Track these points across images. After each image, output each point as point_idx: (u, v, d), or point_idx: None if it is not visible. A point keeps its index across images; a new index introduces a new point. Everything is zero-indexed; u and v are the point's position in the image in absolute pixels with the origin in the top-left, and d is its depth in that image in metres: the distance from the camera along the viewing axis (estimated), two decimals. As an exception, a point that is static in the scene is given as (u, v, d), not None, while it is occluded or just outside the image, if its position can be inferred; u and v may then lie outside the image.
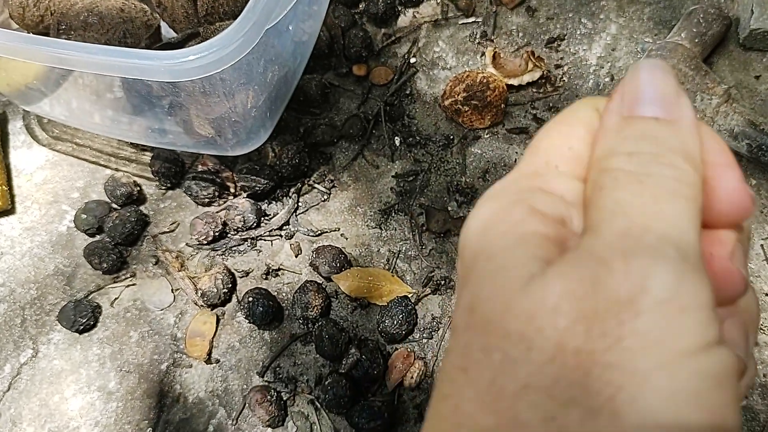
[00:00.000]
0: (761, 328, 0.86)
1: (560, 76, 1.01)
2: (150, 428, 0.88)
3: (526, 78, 0.99)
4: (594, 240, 0.24)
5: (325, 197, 0.98)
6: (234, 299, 0.94)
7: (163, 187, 0.99)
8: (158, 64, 0.71)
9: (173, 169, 0.98)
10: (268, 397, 0.86)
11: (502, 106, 0.98)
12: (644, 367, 0.22)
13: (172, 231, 0.98)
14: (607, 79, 1.00)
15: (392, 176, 0.98)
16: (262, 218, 0.97)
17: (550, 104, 1.00)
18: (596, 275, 0.23)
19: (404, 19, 1.08)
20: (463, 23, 1.07)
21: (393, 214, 0.96)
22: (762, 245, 0.89)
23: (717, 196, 0.26)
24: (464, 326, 0.25)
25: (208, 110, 0.87)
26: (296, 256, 0.95)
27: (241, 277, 0.95)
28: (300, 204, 0.98)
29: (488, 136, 0.99)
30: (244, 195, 0.97)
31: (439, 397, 0.26)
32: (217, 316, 0.93)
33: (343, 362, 0.88)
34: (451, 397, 0.25)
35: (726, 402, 0.22)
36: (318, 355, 0.89)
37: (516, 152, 0.98)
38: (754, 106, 0.95)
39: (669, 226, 0.24)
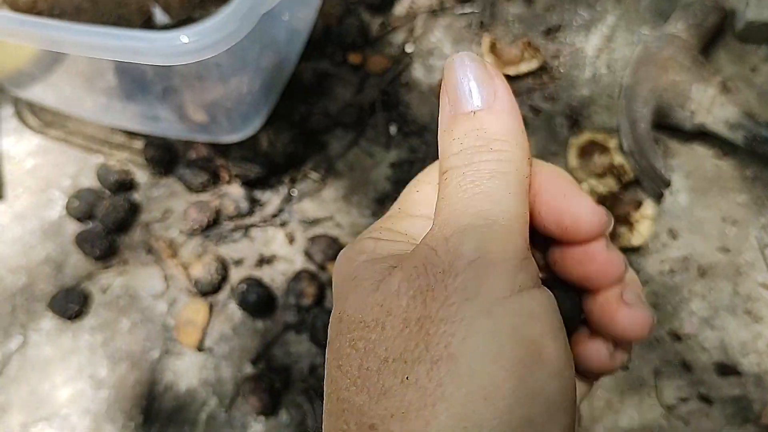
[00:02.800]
0: (756, 319, 0.85)
1: (557, 67, 1.00)
2: (141, 416, 0.87)
3: (523, 68, 0.99)
4: (426, 236, 0.30)
5: (320, 185, 0.97)
6: (227, 288, 0.93)
7: (156, 175, 0.98)
8: (152, 47, 0.70)
9: (166, 156, 0.97)
10: (261, 385, 0.85)
11: (499, 95, 0.97)
12: (469, 314, 0.26)
13: (165, 218, 0.97)
14: (604, 70, 1.00)
15: (387, 165, 0.98)
16: (256, 206, 0.96)
17: (547, 94, 0.99)
18: (426, 258, 0.28)
19: (400, 7, 1.08)
20: (460, 13, 1.06)
21: (388, 202, 0.95)
22: (756, 236, 0.89)
23: (578, 224, 0.32)
24: (335, 334, 0.30)
25: (202, 96, 0.86)
26: (290, 244, 0.94)
27: (234, 266, 0.94)
28: (294, 192, 0.97)
29: (484, 125, 0.98)
30: (238, 183, 0.96)
31: (325, 397, 0.30)
32: (210, 305, 0.92)
33: (337, 351, 0.87)
34: (333, 392, 0.29)
35: (542, 332, 0.27)
36: (311, 344, 0.89)
37: (512, 142, 0.97)
38: (751, 98, 0.95)
39: (484, 201, 0.29)
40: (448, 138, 0.32)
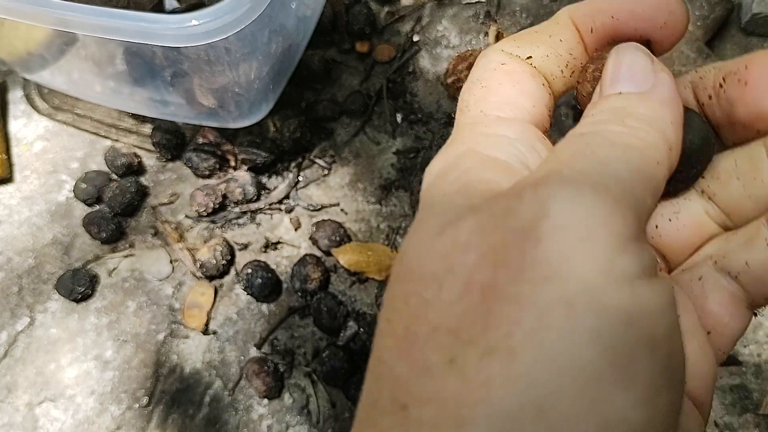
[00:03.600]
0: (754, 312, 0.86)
1: (563, 57, 1.01)
2: (146, 397, 0.88)
3: (529, 58, 0.99)
4: (519, 180, 0.24)
5: (326, 172, 0.98)
6: (232, 272, 0.94)
7: (163, 159, 0.99)
8: (163, 28, 0.71)
9: (174, 140, 0.98)
10: (265, 368, 0.86)
11: (505, 85, 0.98)
12: (543, 300, 0.20)
13: (172, 202, 0.97)
14: (609, 61, 1.00)
15: (393, 153, 0.98)
16: (262, 191, 0.97)
17: (552, 85, 1.00)
18: (508, 207, 0.22)
19: (408, -3, 1.08)
20: (467, 3, 1.07)
21: (393, 190, 0.96)
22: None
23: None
24: (394, 278, 0.25)
25: (211, 80, 0.86)
26: (295, 230, 0.95)
27: (239, 250, 0.95)
28: (300, 178, 0.98)
29: (490, 114, 0.99)
30: (245, 168, 0.97)
31: (372, 352, 0.25)
32: (215, 288, 0.92)
33: (341, 335, 0.88)
34: (377, 350, 0.25)
35: (636, 342, 0.20)
36: (315, 328, 0.90)
37: (517, 131, 0.98)
38: (755, 90, 0.95)
39: (593, 161, 0.23)
40: (587, 113, 0.27)
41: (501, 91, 0.28)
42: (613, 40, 0.29)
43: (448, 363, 0.21)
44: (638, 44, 0.28)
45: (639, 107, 0.25)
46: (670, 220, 0.30)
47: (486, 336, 0.20)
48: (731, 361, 0.84)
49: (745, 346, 0.85)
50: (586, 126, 0.26)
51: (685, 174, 0.28)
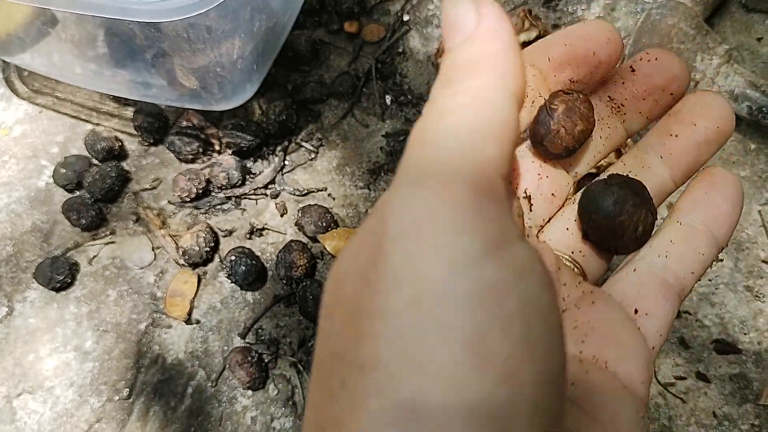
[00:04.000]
0: (756, 295, 0.83)
1: (557, 37, 0.98)
2: (127, 389, 0.85)
3: (522, 37, 0.96)
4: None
5: (313, 156, 0.95)
6: (216, 259, 0.91)
7: (146, 143, 0.96)
8: (139, 3, 0.68)
9: (156, 124, 0.95)
10: (249, 358, 0.83)
11: (497, 65, 0.94)
12: (396, 307, 0.20)
13: (154, 188, 0.94)
14: (605, 40, 0.97)
15: (382, 135, 0.95)
16: (247, 176, 0.94)
17: (547, 65, 0.96)
18: (366, 227, 0.23)
19: (398, -24, 1.05)
20: (458, -19, 1.03)
21: (382, 174, 0.93)
22: (759, 211, 0.87)
23: None
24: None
25: (192, 59, 0.83)
26: (281, 216, 0.92)
27: (224, 236, 0.92)
28: (287, 162, 0.95)
29: (482, 96, 0.96)
30: (229, 152, 0.94)
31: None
32: (199, 276, 0.90)
33: (328, 324, 0.85)
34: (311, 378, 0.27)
35: (482, 323, 0.20)
36: (301, 317, 0.87)
37: (510, 113, 0.94)
38: (756, 68, 0.92)
39: (422, 150, 0.23)
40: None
41: None
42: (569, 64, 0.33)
43: (340, 386, 0.21)
44: None
45: (465, 54, 0.25)
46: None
47: (358, 354, 0.21)
48: (730, 349, 0.81)
49: (745, 334, 0.82)
50: (425, 108, 0.25)
51: (615, 243, 0.33)
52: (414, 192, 0.21)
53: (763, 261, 0.85)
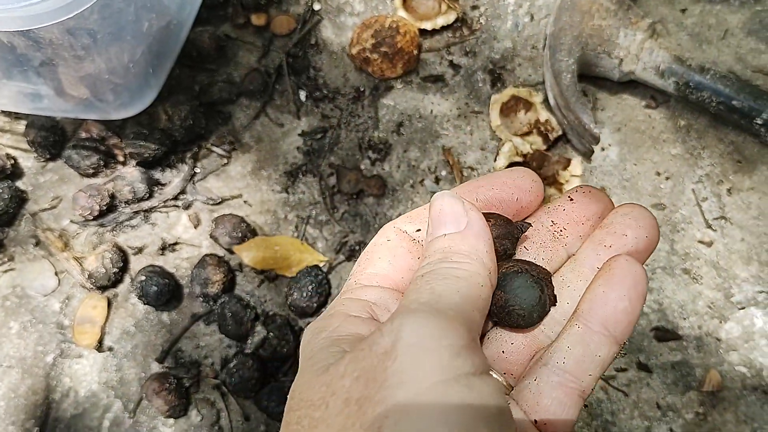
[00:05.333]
0: (694, 278, 0.80)
1: (477, 18, 0.93)
2: (37, 428, 0.79)
3: (440, 21, 0.91)
4: (387, 321, 0.31)
5: (225, 161, 0.89)
6: (127, 279, 0.84)
7: (42, 159, 0.89)
8: (7, 10, 0.61)
9: (51, 137, 0.87)
10: (167, 385, 0.77)
11: (415, 52, 0.89)
12: (403, 399, 0.27)
13: (54, 207, 0.87)
14: (526, 19, 0.92)
15: (298, 134, 0.89)
16: (155, 188, 0.87)
17: (467, 48, 0.92)
18: (373, 340, 0.30)
19: (307, -38, 0.99)
20: (370, -36, 0.97)
21: (301, 176, 0.88)
22: (693, 189, 0.84)
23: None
24: (288, 409, 0.32)
25: (78, 67, 0.76)
26: (195, 228, 0.86)
27: (134, 254, 0.85)
28: (197, 170, 0.88)
29: (401, 86, 0.91)
30: (134, 163, 0.87)
31: None
32: (109, 299, 0.83)
33: (249, 341, 0.80)
34: None
35: (471, 419, 0.27)
36: (222, 336, 0.81)
37: (432, 102, 0.90)
38: (681, 41, 0.89)
39: (432, 294, 0.31)
40: (422, 259, 0.35)
41: (377, 264, 0.38)
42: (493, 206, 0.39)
43: None
44: (450, 192, 0.36)
45: (460, 244, 0.34)
46: (512, 343, 0.37)
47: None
48: (671, 335, 0.78)
49: (684, 318, 0.79)
50: (424, 268, 0.34)
51: (525, 322, 0.36)
52: (425, 317, 0.30)
53: (700, 242, 0.82)
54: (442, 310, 0.30)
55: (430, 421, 0.27)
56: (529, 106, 0.87)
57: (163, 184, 0.88)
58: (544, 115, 0.85)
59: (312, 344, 0.34)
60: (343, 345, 0.32)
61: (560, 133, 0.85)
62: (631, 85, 0.87)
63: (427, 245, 0.35)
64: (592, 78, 0.87)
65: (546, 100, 0.86)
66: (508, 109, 0.87)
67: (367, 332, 0.33)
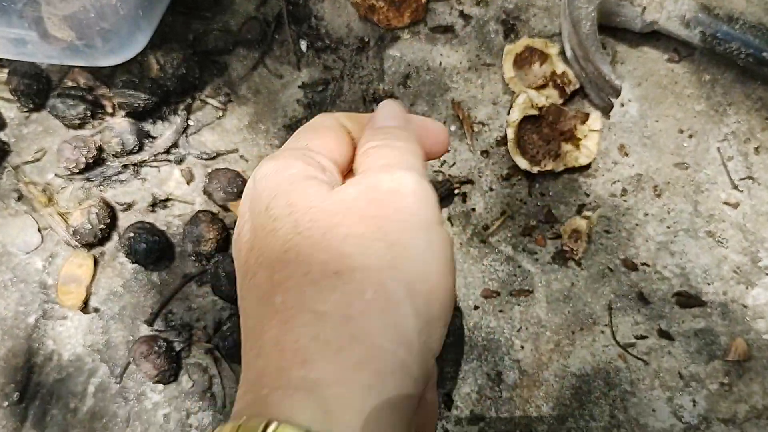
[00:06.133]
0: (719, 241, 0.76)
1: (489, -34, 0.87)
2: (18, 393, 0.74)
3: (450, -31, 0.85)
4: (367, 173, 0.35)
5: (221, 113, 0.83)
6: (115, 237, 0.79)
7: (25, 109, 0.83)
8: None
9: (35, 86, 0.82)
10: (156, 348, 0.72)
11: (423, 1, 0.84)
12: (417, 226, 0.34)
13: (38, 160, 0.82)
14: (542, -33, 0.87)
15: (299, 86, 0.84)
16: (146, 140, 0.82)
17: (479, -2, 0.86)
18: (377, 179, 0.34)
19: None
20: None
21: (300, 130, 0.82)
22: (718, 148, 0.79)
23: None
24: (267, 208, 0.35)
25: (61, 5, 0.71)
26: (188, 184, 0.81)
27: (123, 211, 0.80)
28: (191, 122, 0.83)
29: (408, 36, 0.85)
30: (122, 114, 0.82)
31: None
32: (95, 257, 0.78)
33: (245, 303, 0.75)
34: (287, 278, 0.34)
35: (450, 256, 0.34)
36: (216, 297, 0.76)
37: (441, 54, 0.84)
38: (708, -9, 0.83)
39: (404, 161, 0.36)
40: (370, 136, 0.38)
41: (324, 139, 0.38)
42: None
43: (365, 251, 0.33)
44: (396, 100, 0.46)
45: (401, 134, 0.38)
46: None
47: (387, 239, 0.33)
48: (694, 301, 0.73)
49: (708, 284, 0.74)
50: (377, 142, 0.37)
51: None
52: (416, 175, 0.35)
53: (725, 203, 0.77)
54: (420, 173, 0.35)
55: (438, 251, 0.33)
56: (544, 58, 0.81)
57: (154, 137, 0.82)
58: (560, 67, 0.80)
59: (280, 178, 0.35)
60: (325, 182, 0.35)
61: (577, 86, 0.80)
62: (653, 37, 0.82)
63: (372, 130, 0.39)
64: (611, 29, 0.82)
65: (562, 52, 0.81)
66: (521, 61, 0.82)
67: (325, 179, 0.35)
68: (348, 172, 0.40)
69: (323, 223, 0.32)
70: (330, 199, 0.33)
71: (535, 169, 0.76)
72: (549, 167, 0.76)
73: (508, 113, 0.78)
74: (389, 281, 0.31)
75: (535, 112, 0.77)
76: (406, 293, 0.31)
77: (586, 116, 0.77)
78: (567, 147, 0.77)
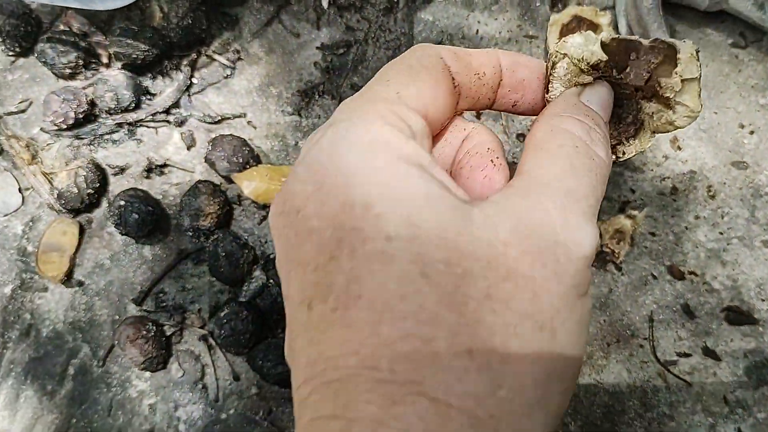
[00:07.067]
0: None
1: (539, -75, 0.78)
2: (-12, 370, 0.67)
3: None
4: (534, 193, 0.27)
5: (229, 72, 0.74)
6: (104, 203, 0.71)
7: (11, 52, 0.74)
8: None
9: (23, 27, 0.73)
10: (144, 332, 0.65)
11: (463, -41, 0.74)
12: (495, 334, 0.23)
13: (23, 111, 0.74)
14: (598, -70, 0.77)
15: (317, 48, 0.75)
16: (144, 97, 0.73)
17: (525, -40, 0.77)
18: (544, 225, 0.26)
19: None
20: None
21: (317, 96, 0.74)
22: (783, 148, 0.70)
23: None
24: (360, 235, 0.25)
25: (53, -63, 0.62)
26: (188, 149, 0.73)
27: (114, 175, 0.72)
28: (194, 80, 0.74)
29: (443, -2, 0.76)
30: (119, 65, 0.73)
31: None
32: (81, 225, 0.70)
33: (245, 288, 0.67)
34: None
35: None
36: (213, 278, 0.68)
37: (478, 21, 0.75)
38: (785, -31, 0.74)
39: (591, 198, 0.27)
40: (576, 108, 0.31)
41: (421, 88, 0.29)
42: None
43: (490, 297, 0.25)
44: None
45: (604, 142, 0.31)
46: None
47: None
48: (745, 318, 0.66)
49: (762, 300, 0.67)
50: (566, 137, 0.29)
51: None
52: (593, 232, 0.27)
53: (785, 208, 0.69)
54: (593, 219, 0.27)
55: (583, 335, 0.26)
56: (593, 28, 0.72)
57: (153, 94, 0.74)
58: (613, 42, 0.71)
59: (371, 154, 0.25)
60: (438, 176, 0.26)
61: (631, 66, 0.71)
62: (718, 17, 0.73)
63: (568, 105, 0.31)
64: (671, 5, 0.73)
65: (614, 24, 0.72)
66: (568, 33, 0.73)
67: (428, 162, 0.26)
68: (442, 128, 0.32)
69: (459, 269, 0.23)
70: (469, 230, 0.24)
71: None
72: (631, 152, 0.39)
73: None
74: (528, 376, 0.23)
75: (589, 78, 0.54)
76: (543, 393, 0.24)
77: (673, 52, 0.36)
78: (651, 107, 0.46)
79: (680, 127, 0.41)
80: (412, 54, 0.31)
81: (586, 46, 0.39)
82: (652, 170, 0.70)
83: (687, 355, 0.65)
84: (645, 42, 0.39)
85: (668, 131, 0.43)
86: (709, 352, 0.65)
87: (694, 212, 0.69)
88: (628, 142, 0.42)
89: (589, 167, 0.28)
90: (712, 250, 0.68)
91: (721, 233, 0.69)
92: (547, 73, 0.35)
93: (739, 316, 0.66)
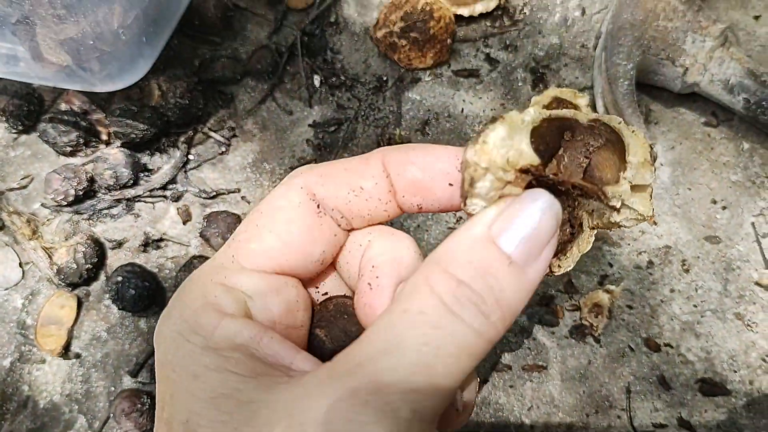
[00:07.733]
0: (748, 324, 0.71)
1: (520, 8, 0.82)
2: (-13, 442, 0.69)
3: (479, 8, 0.80)
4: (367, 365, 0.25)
5: (224, 149, 0.78)
6: (102, 277, 0.74)
7: (14, 130, 0.77)
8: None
9: (26, 107, 0.76)
10: (139, 405, 0.67)
11: (449, 41, 0.78)
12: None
13: (24, 187, 0.76)
14: (577, 13, 0.81)
15: (309, 125, 0.79)
16: (141, 174, 0.76)
17: (507, 42, 0.81)
18: (300, 407, 0.25)
19: (331, -73, 0.87)
20: (403, -64, 0.86)
21: (308, 172, 0.77)
22: (753, 223, 0.74)
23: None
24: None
25: (57, 29, 0.65)
26: (184, 224, 0.75)
27: (112, 249, 0.75)
28: (191, 157, 0.77)
29: (430, 78, 0.80)
30: (118, 144, 0.76)
31: None
32: (79, 299, 0.73)
33: (238, 361, 0.70)
34: None
35: None
36: (207, 351, 0.71)
37: (463, 100, 0.79)
38: (752, 52, 0.78)
39: (423, 376, 0.24)
40: (468, 252, 0.26)
41: (265, 239, 0.30)
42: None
43: None
44: (558, 207, 0.28)
45: (509, 289, 0.26)
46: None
47: None
48: (718, 389, 0.68)
49: (735, 371, 0.69)
50: (453, 295, 0.26)
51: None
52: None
53: (757, 283, 0.72)
54: (426, 418, 0.25)
55: None
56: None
57: (151, 171, 0.77)
58: (591, 124, 0.75)
59: (180, 344, 0.28)
60: (228, 366, 0.27)
61: (608, 146, 0.74)
62: (690, 98, 0.77)
63: (481, 241, 0.26)
64: (646, 87, 0.77)
65: (593, 106, 0.76)
66: (549, 115, 0.77)
67: (245, 339, 0.28)
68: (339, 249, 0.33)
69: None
70: (214, 404, 0.27)
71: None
72: (568, 264, 0.36)
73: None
74: None
75: (518, 190, 0.33)
76: None
77: (618, 139, 0.35)
78: (591, 204, 0.37)
79: (625, 227, 0.37)
80: (274, 192, 0.32)
81: (510, 141, 0.29)
82: (629, 245, 0.74)
83: (663, 426, 0.68)
84: (582, 120, 0.33)
85: (611, 229, 0.38)
86: (684, 423, 0.68)
87: (670, 285, 0.72)
88: (565, 247, 0.36)
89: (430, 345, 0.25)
90: (686, 322, 0.71)
91: (695, 306, 0.72)
92: (462, 187, 0.29)
93: (712, 387, 0.69)
